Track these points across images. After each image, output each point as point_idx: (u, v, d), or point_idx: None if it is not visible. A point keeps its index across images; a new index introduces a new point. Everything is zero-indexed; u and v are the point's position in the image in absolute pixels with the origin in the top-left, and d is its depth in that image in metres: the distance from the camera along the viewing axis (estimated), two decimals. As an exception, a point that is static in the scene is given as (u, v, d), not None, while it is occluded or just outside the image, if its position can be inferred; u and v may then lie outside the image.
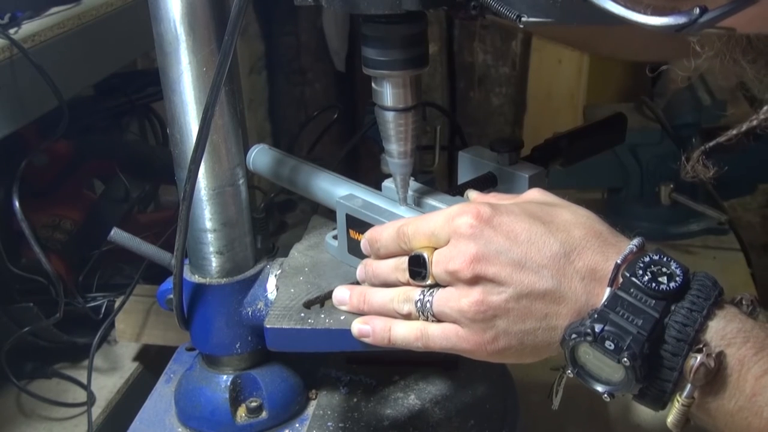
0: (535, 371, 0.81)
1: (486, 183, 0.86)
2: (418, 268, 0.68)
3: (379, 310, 0.71)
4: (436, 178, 0.99)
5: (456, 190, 0.83)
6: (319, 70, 2.27)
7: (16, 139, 1.03)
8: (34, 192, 1.21)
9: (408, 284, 0.70)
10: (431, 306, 0.67)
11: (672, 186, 1.37)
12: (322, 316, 0.75)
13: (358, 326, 0.71)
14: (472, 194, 0.79)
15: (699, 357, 0.57)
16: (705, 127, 1.35)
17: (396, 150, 0.77)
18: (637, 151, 1.41)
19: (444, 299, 0.66)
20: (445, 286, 0.67)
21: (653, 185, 1.39)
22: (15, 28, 1.02)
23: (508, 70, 2.25)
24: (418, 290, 0.69)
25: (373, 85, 0.75)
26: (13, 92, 0.98)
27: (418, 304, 0.68)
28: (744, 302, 0.62)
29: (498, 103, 2.28)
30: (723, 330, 0.59)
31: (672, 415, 0.59)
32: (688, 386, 0.58)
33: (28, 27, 1.04)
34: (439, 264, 0.66)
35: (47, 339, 1.17)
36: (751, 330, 0.59)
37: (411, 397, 0.90)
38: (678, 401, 0.59)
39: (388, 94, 0.74)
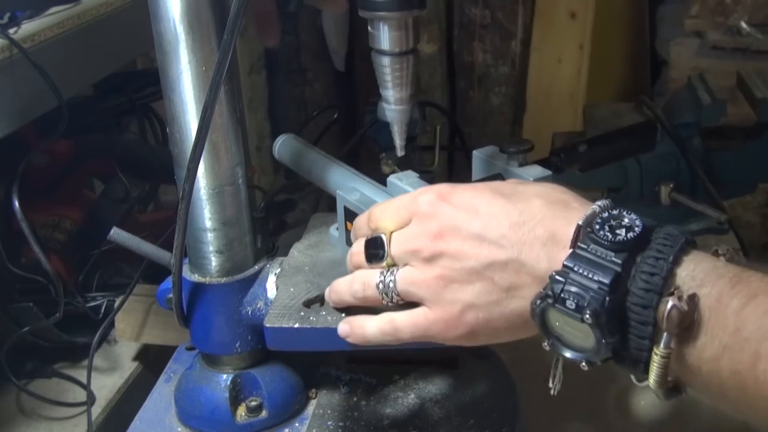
0: (536, 370, 0.81)
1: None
2: (375, 249, 0.67)
3: (343, 297, 0.71)
4: (436, 178, 0.99)
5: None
6: (319, 70, 2.27)
7: (16, 139, 1.03)
8: (34, 192, 1.21)
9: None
10: (395, 285, 0.66)
11: (672, 185, 1.37)
12: (322, 314, 0.75)
13: (341, 326, 0.71)
14: None
15: (670, 301, 0.52)
16: (705, 126, 1.35)
17: (393, 96, 0.75)
18: (636, 150, 1.40)
19: (408, 278, 0.66)
20: (404, 266, 0.66)
21: (653, 185, 1.39)
22: (15, 28, 1.02)
23: (507, 69, 2.25)
24: (377, 272, 0.68)
25: (369, 28, 0.73)
26: (13, 92, 0.98)
27: (380, 286, 0.67)
28: (720, 252, 0.57)
29: (498, 103, 2.28)
30: (693, 272, 0.54)
31: (652, 372, 0.55)
32: (664, 336, 0.53)
33: (28, 27, 1.04)
34: (399, 244, 0.66)
35: (47, 339, 1.16)
36: (725, 267, 0.55)
37: (411, 396, 0.90)
38: (656, 354, 0.54)
39: (385, 36, 0.72)
